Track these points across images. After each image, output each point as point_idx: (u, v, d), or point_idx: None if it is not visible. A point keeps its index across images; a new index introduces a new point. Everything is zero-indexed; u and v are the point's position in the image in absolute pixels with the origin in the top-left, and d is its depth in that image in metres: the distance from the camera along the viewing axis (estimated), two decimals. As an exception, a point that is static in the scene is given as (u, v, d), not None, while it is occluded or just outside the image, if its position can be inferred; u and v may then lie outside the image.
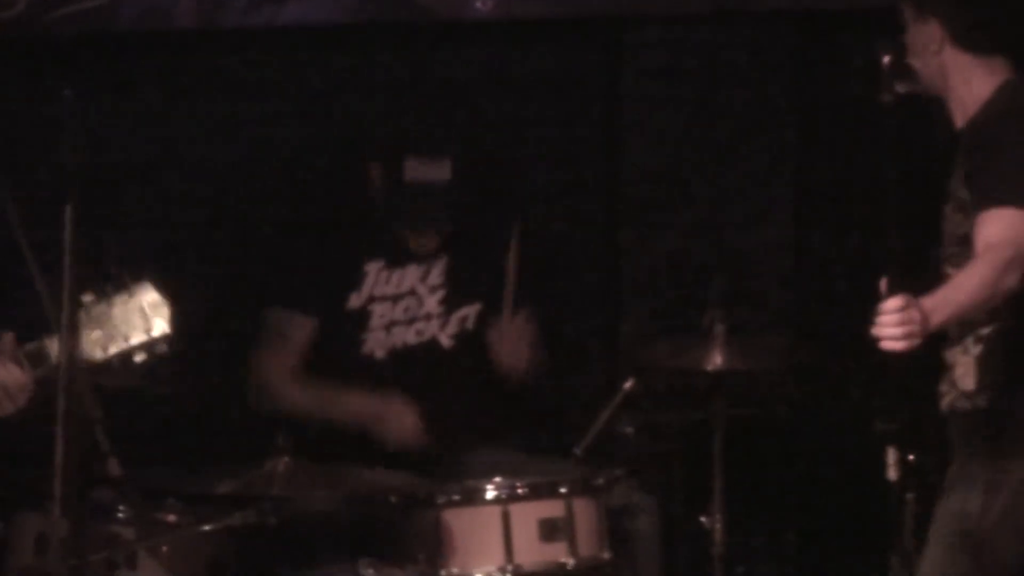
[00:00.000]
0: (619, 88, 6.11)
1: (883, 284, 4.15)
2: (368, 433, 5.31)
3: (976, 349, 4.26)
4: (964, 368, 4.28)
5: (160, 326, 4.19)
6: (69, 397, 3.85)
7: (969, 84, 4.31)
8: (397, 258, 5.35)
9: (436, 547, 4.89)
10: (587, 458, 5.01)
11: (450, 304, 5.38)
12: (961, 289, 4.07)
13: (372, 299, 5.35)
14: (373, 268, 5.33)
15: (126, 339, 4.18)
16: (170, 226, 5.99)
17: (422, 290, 5.38)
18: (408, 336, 5.39)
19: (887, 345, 3.98)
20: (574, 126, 6.14)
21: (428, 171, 5.34)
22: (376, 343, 5.37)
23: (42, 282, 3.99)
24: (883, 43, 4.20)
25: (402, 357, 5.39)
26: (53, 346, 4.13)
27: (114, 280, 4.23)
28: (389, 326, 5.38)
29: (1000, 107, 4.26)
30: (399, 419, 5.27)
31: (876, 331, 4.01)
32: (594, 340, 6.05)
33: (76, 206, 3.78)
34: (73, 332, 3.94)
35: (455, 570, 4.87)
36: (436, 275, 5.37)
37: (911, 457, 4.70)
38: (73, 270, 3.84)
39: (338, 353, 5.37)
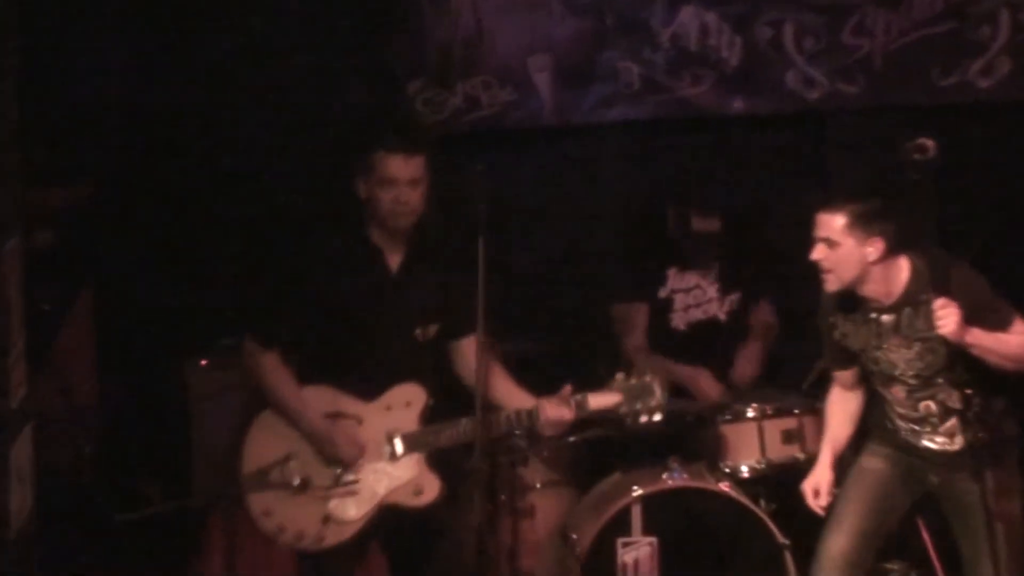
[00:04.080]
0: (825, 157, 7.00)
1: None
2: (683, 389, 6.20)
3: None
4: None
5: (656, 405, 5.14)
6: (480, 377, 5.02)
7: None
8: (686, 265, 6.41)
9: (716, 449, 6.02)
10: (810, 390, 5.86)
11: (723, 292, 6.43)
12: None
13: (673, 291, 6.43)
14: (672, 272, 6.41)
15: (633, 410, 5.13)
16: (534, 250, 6.98)
17: (704, 283, 6.43)
18: (699, 314, 6.43)
19: None
20: (793, 182, 6.91)
21: (706, 225, 6.35)
22: (679, 319, 6.42)
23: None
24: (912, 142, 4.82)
25: (696, 328, 6.43)
26: (589, 400, 5.14)
27: (637, 369, 5.21)
28: (687, 308, 6.43)
29: None
30: (708, 384, 6.24)
31: None
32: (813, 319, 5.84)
33: (486, 238, 4.93)
34: (486, 323, 4.97)
35: (729, 463, 5.97)
36: (712, 274, 6.41)
37: None
38: (485, 280, 4.95)
39: (654, 327, 6.41)
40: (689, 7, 7.01)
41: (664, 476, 5.80)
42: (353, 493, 5.18)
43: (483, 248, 4.94)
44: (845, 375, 5.26)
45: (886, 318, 5.02)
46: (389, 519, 5.22)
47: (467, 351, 5.28)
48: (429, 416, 5.23)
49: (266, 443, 5.20)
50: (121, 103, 6.86)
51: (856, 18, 6.95)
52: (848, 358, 5.20)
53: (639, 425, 5.29)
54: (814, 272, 5.50)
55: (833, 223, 4.95)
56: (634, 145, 7.16)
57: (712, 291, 6.47)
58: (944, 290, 4.84)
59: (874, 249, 4.92)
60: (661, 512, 5.72)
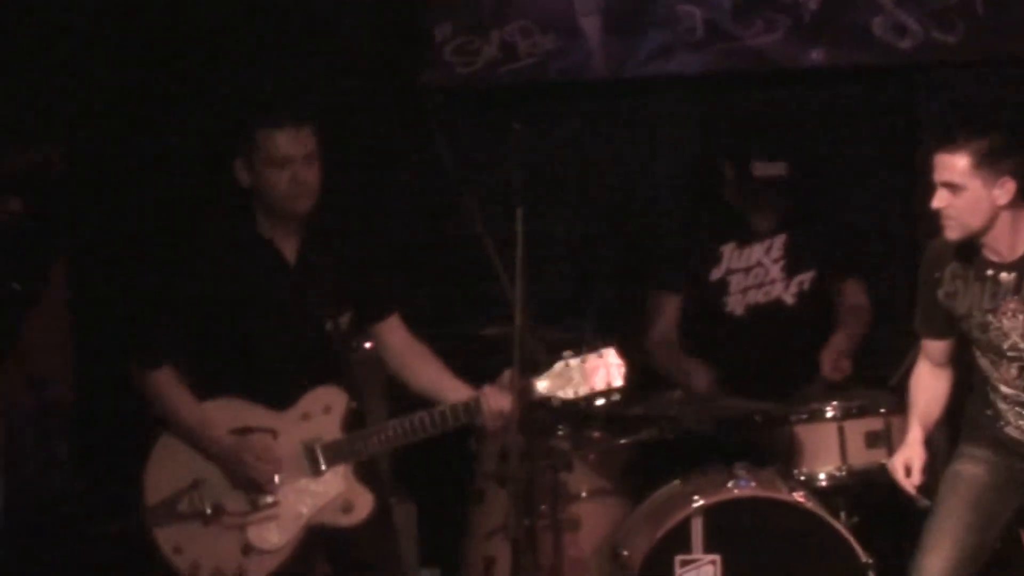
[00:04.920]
0: (917, 118, 6.90)
1: None
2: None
3: None
4: None
5: (618, 382, 5.19)
6: (523, 363, 4.92)
7: None
8: (745, 239, 6.37)
9: (790, 454, 5.96)
10: (899, 386, 5.64)
11: (790, 271, 6.38)
12: None
13: (729, 271, 6.40)
14: (727, 248, 6.37)
15: (591, 388, 5.18)
16: (580, 222, 6.98)
17: (766, 261, 6.37)
18: (759, 297, 6.40)
19: None
20: (880, 148, 6.93)
21: (770, 169, 6.34)
22: (736, 304, 6.38)
23: (500, 269, 4.99)
24: None
25: (756, 313, 6.41)
26: (536, 385, 5.10)
27: (588, 343, 5.19)
28: (744, 290, 6.40)
29: None
30: (698, 377, 6.22)
31: None
32: (903, 302, 6.23)
33: (524, 208, 4.81)
34: (525, 308, 4.90)
35: (805, 470, 5.93)
36: (776, 249, 6.35)
37: None
38: (525, 257, 4.84)
39: (707, 313, 6.43)
40: (761, -59, 7.13)
41: (730, 484, 5.72)
42: (274, 517, 5.15)
43: (521, 218, 4.82)
44: (937, 347, 5.19)
45: (1006, 276, 4.94)
46: (322, 541, 5.27)
47: (388, 336, 5.38)
48: (353, 421, 5.26)
49: (169, 470, 5.14)
50: (95, 57, 6.81)
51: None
52: (946, 324, 5.12)
53: (595, 409, 5.40)
54: (900, 246, 6.30)
55: (956, 164, 4.86)
56: (696, 101, 7.11)
57: (776, 270, 6.41)
58: None
59: (1004, 191, 4.82)
60: (726, 526, 5.65)
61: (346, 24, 6.93)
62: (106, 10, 6.80)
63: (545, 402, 5.20)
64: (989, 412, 5.13)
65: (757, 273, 6.42)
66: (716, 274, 6.41)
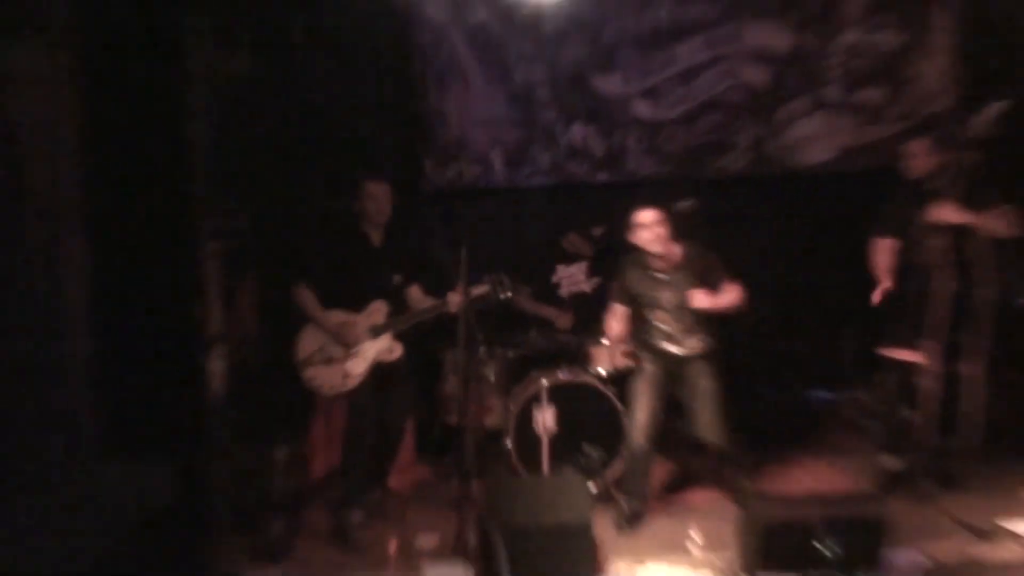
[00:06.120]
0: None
1: None
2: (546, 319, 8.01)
3: None
4: None
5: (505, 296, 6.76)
6: (466, 324, 6.68)
7: None
8: (569, 260, 8.47)
9: (587, 360, 8.03)
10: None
11: (589, 276, 8.53)
12: None
13: (560, 277, 8.52)
14: (560, 267, 8.54)
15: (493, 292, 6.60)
16: (496, 265, 7.69)
17: (577, 272, 8.58)
18: (575, 289, 8.56)
19: None
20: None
21: (583, 247, 8.29)
22: (563, 291, 8.58)
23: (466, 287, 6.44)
24: None
25: (574, 296, 8.64)
26: (472, 290, 6.53)
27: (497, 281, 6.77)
28: (568, 285, 8.54)
29: None
30: (557, 315, 8.02)
31: None
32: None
33: (467, 253, 6.36)
34: (468, 301, 6.65)
35: (595, 369, 8.06)
36: (584, 269, 8.58)
37: None
38: (466, 283, 6.58)
39: (549, 296, 8.33)
40: (576, 125, 9.31)
41: (559, 374, 7.99)
42: (356, 357, 6.92)
43: (465, 260, 6.53)
44: (623, 307, 7.16)
45: (665, 276, 7.00)
46: (377, 372, 6.97)
47: (413, 293, 7.20)
48: (393, 315, 7.12)
49: (308, 341, 6.95)
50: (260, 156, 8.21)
51: (667, 130, 9.16)
52: (629, 297, 7.09)
53: (501, 301, 7.01)
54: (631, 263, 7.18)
55: (659, 223, 6.93)
56: (549, 200, 9.51)
57: (582, 276, 8.71)
58: (696, 262, 6.75)
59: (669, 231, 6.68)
60: (558, 391, 7.85)
61: (379, 145, 8.55)
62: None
63: (479, 300, 6.64)
64: (650, 336, 6.91)
65: (574, 278, 8.65)
66: (555, 279, 8.67)
